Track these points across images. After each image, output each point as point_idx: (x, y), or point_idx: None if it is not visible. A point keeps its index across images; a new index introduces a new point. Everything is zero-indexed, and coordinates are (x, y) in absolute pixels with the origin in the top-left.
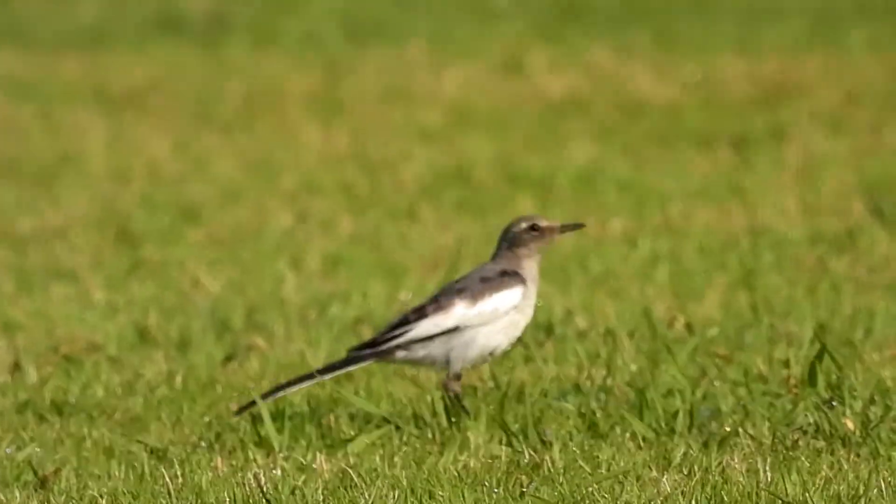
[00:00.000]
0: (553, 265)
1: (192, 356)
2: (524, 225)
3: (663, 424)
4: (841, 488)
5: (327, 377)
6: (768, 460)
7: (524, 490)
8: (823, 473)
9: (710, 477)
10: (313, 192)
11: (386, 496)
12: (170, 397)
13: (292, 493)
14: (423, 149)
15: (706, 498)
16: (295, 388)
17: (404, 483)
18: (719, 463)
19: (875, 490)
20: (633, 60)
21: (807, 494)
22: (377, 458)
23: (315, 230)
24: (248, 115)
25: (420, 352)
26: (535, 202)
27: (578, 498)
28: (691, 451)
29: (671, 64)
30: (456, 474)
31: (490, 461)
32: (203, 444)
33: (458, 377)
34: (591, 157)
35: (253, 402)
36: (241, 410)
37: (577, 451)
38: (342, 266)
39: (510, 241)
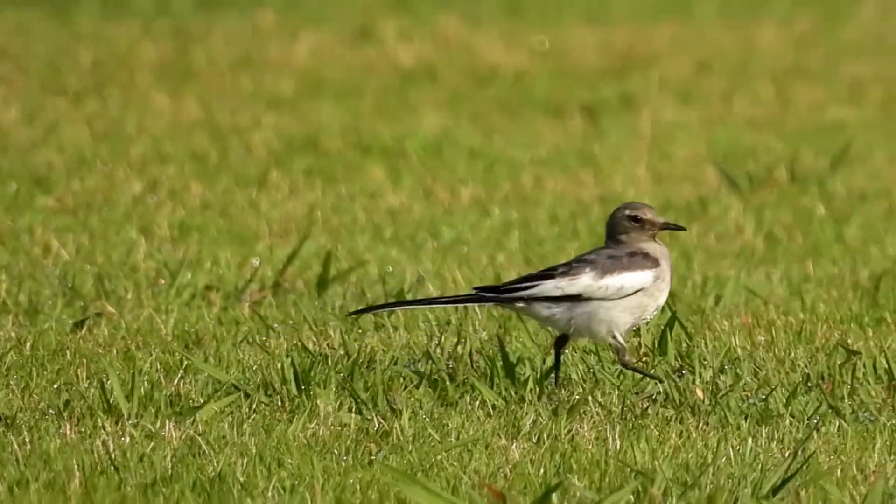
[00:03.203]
0: (403, 233)
1: (42, 322)
2: (627, 212)
3: (513, 392)
4: (689, 456)
5: (444, 304)
6: (617, 428)
7: (373, 458)
8: (672, 442)
9: (560, 445)
10: (163, 159)
11: (235, 464)
12: (19, 363)
13: (140, 460)
14: (274, 116)
15: (555, 465)
16: (407, 308)
17: (253, 451)
18: (569, 431)
19: (723, 458)
20: (483, 29)
21: (655, 462)
22: (226, 426)
23: (165, 197)
24: (97, 82)
25: (543, 311)
26: (385, 170)
27: (427, 466)
28: (541, 419)
29: (520, 32)
30: (305, 442)
31: (339, 429)
32: (52, 410)
33: (621, 351)
34: (441, 126)
35: (366, 309)
36: (354, 313)
37: (427, 420)
38: (192, 233)
39: (611, 225)
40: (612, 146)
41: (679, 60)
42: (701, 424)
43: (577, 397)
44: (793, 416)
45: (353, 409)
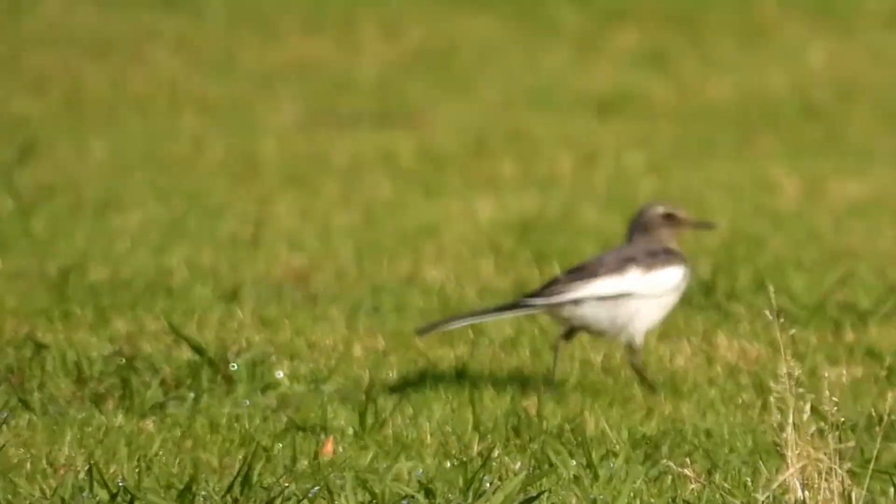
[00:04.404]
0: None
1: None
2: (661, 210)
3: None
4: None
5: (498, 316)
6: None
7: None
8: None
9: None
10: None
11: None
12: None
13: None
14: None
15: None
16: (458, 325)
17: None
18: None
19: None
20: None
21: None
22: None
23: None
24: None
25: (589, 311)
26: None
27: None
28: None
29: None
30: None
31: None
32: None
33: (638, 353)
34: None
35: (434, 325)
36: (422, 332)
37: None
38: None
39: (642, 224)
40: None
41: None
42: None
43: None
44: None
45: None
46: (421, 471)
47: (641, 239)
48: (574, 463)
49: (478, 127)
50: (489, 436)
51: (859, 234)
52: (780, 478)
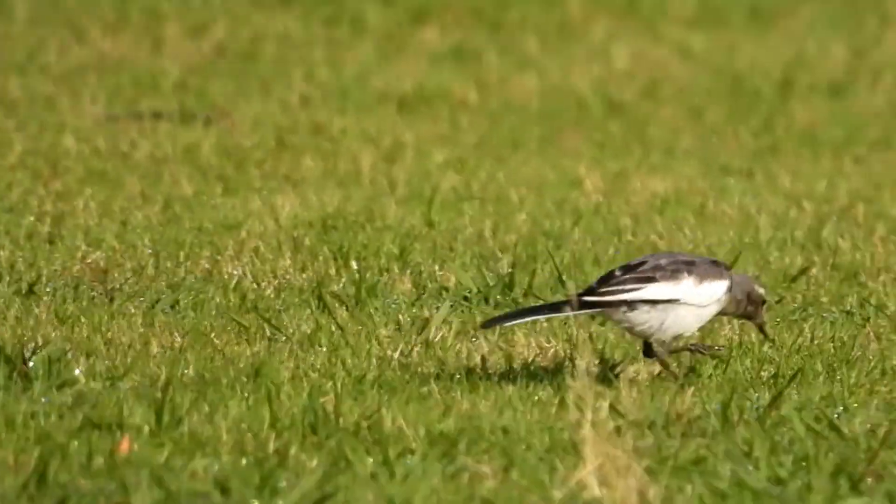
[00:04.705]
0: None
1: None
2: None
3: None
4: None
5: (548, 316)
6: None
7: None
8: None
9: None
10: None
11: None
12: None
13: None
14: None
15: None
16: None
17: None
18: None
19: None
20: None
21: None
22: None
23: None
24: None
25: (642, 315)
26: None
27: None
28: None
29: None
30: None
31: None
32: None
33: (668, 349)
34: None
35: (496, 320)
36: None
37: None
38: None
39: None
40: None
41: None
42: None
43: None
44: None
45: None
46: (217, 468)
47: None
48: (371, 460)
49: (280, 124)
50: (286, 433)
51: (660, 229)
52: (578, 475)
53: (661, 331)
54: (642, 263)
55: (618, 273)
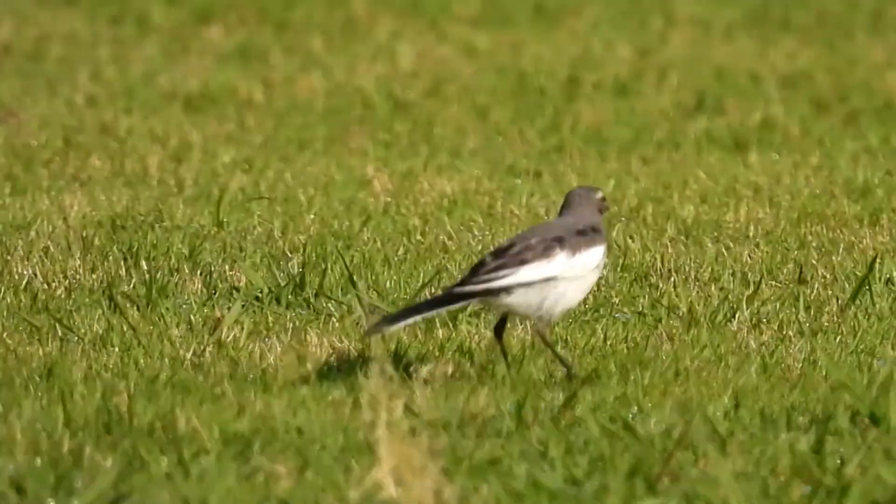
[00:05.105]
0: None
1: None
2: (601, 195)
3: None
4: None
5: (430, 313)
6: None
7: None
8: None
9: None
10: None
11: None
12: None
13: None
14: None
15: None
16: (403, 324)
17: None
18: None
19: None
20: None
21: None
22: None
23: None
24: None
25: (520, 298)
26: None
27: None
28: None
29: None
30: None
31: None
32: None
33: (547, 328)
34: None
35: (379, 324)
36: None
37: None
38: None
39: (580, 205)
40: None
41: None
42: None
43: None
44: None
45: None
46: (12, 468)
47: (572, 215)
48: (166, 460)
49: (67, 124)
50: (80, 433)
51: (449, 229)
52: (373, 475)
53: (545, 309)
54: (511, 246)
55: (488, 260)
